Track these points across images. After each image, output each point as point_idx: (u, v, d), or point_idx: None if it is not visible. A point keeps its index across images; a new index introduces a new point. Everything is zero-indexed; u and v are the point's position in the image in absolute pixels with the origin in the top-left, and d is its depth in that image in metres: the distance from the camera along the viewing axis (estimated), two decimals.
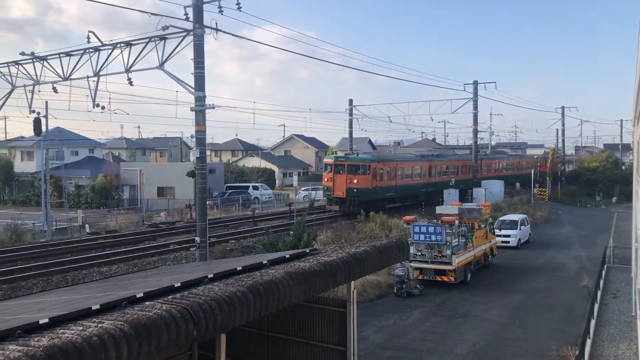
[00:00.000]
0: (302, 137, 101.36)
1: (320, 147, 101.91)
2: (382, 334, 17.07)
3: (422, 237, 22.82)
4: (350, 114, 57.51)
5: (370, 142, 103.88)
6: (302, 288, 8.92)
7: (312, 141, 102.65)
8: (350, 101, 57.34)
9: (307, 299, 10.57)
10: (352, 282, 10.98)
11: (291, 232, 24.48)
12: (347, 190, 39.84)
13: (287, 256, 10.87)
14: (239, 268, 9.67)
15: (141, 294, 8.05)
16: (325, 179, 42.45)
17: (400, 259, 12.47)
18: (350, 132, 59.33)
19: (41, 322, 6.95)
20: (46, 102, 38.69)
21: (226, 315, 7.53)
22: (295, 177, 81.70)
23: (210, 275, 8.97)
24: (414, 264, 22.63)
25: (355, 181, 39.88)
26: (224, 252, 25.25)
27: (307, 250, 11.64)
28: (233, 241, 29.01)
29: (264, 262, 10.14)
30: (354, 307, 11.27)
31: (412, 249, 22.07)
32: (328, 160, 44.07)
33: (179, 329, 6.90)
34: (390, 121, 55.80)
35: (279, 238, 23.88)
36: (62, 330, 6.58)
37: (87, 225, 39.63)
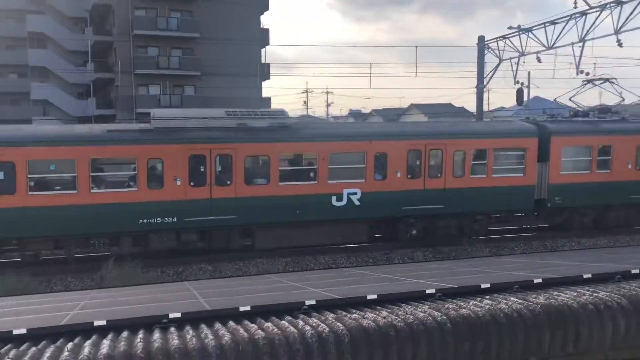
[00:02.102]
0: None
1: None
2: None
3: None
4: None
5: None
6: None
7: None
8: None
9: None
10: None
11: None
12: None
13: None
14: None
15: (637, 270, 7.56)
16: None
17: None
18: None
19: (535, 281, 7.37)
20: (528, 72, 40.08)
21: None
22: None
23: None
24: None
25: None
26: None
27: None
28: None
29: None
30: None
31: None
32: None
33: None
34: None
35: None
36: (556, 293, 6.83)
37: None
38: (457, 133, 19.16)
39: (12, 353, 5.73)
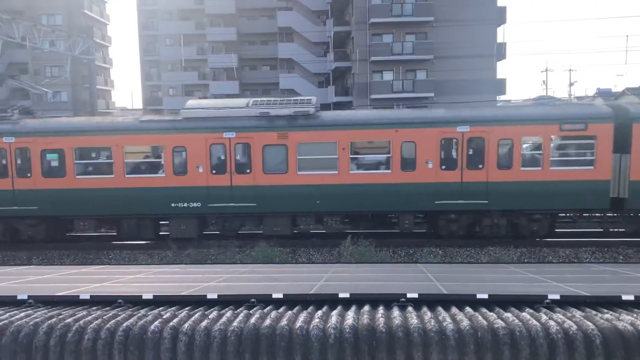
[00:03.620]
0: None
1: None
2: None
3: None
4: None
5: None
6: None
7: None
8: None
9: None
10: None
11: None
12: None
13: None
14: None
15: None
16: None
17: None
18: None
19: None
20: None
21: None
22: None
23: None
24: None
25: None
26: None
27: None
28: None
29: None
30: None
31: None
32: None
33: None
34: None
35: None
36: None
37: None
38: None
39: (272, 314, 6.52)
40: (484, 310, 6.60)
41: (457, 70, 39.02)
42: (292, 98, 18.44)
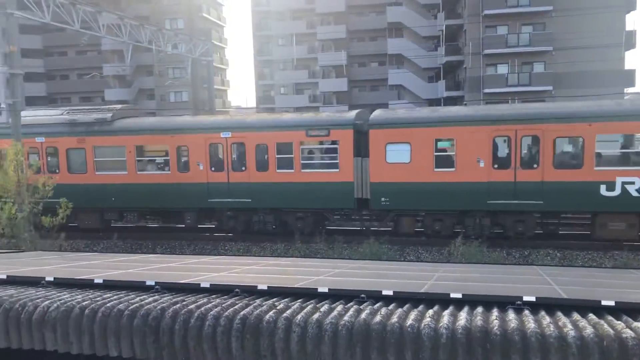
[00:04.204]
0: None
1: None
2: None
3: None
4: None
5: None
6: None
7: None
8: None
9: None
10: None
11: None
12: None
13: None
14: None
15: None
16: None
17: None
18: None
19: None
20: None
21: None
22: None
23: None
24: None
25: None
26: None
27: None
28: None
29: None
30: None
31: None
32: None
33: None
34: None
35: None
36: None
37: None
38: None
39: (382, 310, 6.52)
40: (610, 318, 6.16)
41: (579, 62, 36.65)
42: (99, 107, 21.51)
